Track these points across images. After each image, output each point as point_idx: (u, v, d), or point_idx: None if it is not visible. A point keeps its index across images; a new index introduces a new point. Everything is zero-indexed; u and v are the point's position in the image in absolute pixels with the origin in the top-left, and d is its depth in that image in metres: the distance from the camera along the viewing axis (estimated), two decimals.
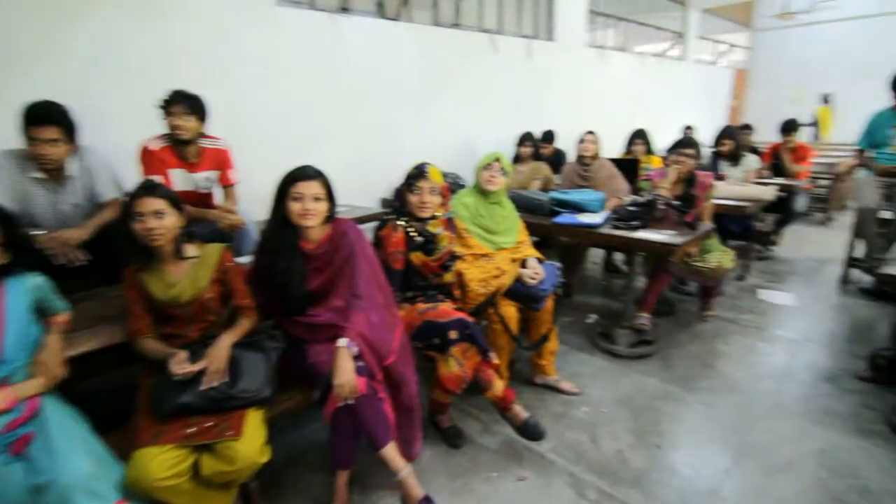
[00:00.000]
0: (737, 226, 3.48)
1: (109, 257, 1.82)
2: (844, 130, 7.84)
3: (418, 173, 1.83)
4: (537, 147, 3.95)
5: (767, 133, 6.43)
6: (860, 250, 3.51)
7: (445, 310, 1.82)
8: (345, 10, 3.60)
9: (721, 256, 2.76)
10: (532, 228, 2.80)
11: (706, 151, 5.40)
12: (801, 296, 3.47)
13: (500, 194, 2.25)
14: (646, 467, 1.81)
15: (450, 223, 1.95)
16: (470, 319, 1.79)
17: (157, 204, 1.46)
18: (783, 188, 3.99)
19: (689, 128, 5.73)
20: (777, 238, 4.50)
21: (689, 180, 2.81)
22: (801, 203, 4.34)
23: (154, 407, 1.41)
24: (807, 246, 4.74)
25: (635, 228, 2.49)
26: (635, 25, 7.35)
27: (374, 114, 3.93)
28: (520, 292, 2.12)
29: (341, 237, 1.67)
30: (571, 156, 4.80)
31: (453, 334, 1.73)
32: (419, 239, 1.85)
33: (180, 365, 1.41)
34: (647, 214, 2.53)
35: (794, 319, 3.10)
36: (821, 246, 4.72)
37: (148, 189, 1.47)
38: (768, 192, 3.35)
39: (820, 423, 2.04)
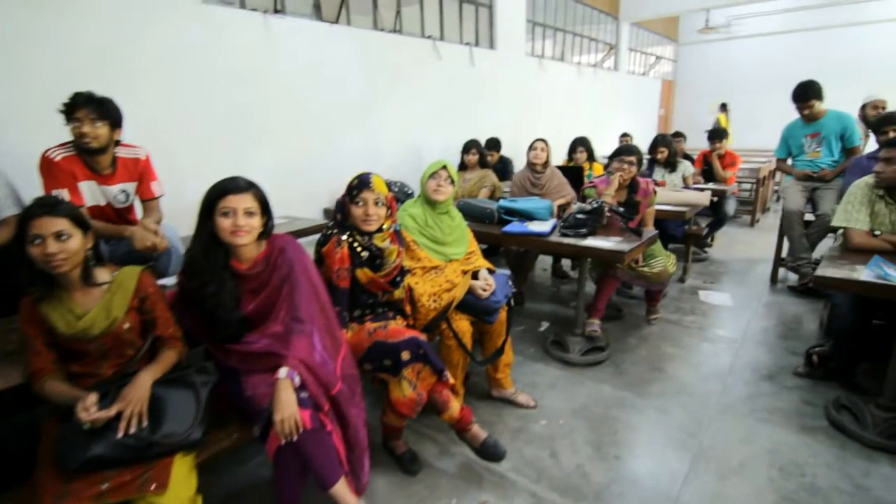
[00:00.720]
0: (677, 230, 3.60)
1: (4, 284, 1.57)
2: (760, 137, 8.47)
3: (361, 184, 1.71)
4: (483, 155, 3.92)
5: (693, 140, 6.84)
6: (787, 250, 3.72)
7: (396, 329, 1.71)
8: (278, 11, 3.42)
9: (665, 261, 2.83)
10: (481, 237, 2.75)
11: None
12: (736, 295, 3.63)
13: (447, 204, 2.17)
14: (607, 481, 1.77)
15: (397, 236, 1.84)
16: (423, 338, 1.68)
17: (58, 224, 1.25)
18: (715, 193, 4.20)
19: (626, 135, 5.95)
20: (711, 240, 4.73)
21: (631, 187, 2.86)
22: (731, 207, 4.58)
23: (59, 462, 1.20)
24: (737, 247, 5.01)
25: (583, 236, 2.48)
26: (572, 37, 7.58)
27: (314, 119, 3.77)
28: (472, 305, 2.05)
29: (278, 255, 1.52)
30: (518, 163, 4.84)
31: (406, 355, 1.62)
32: (365, 254, 1.73)
33: (88, 410, 1.20)
34: (594, 222, 2.53)
35: (732, 319, 3.23)
36: (750, 246, 5.01)
37: (45, 206, 1.26)
38: (705, 198, 3.50)
39: (766, 422, 2.10)
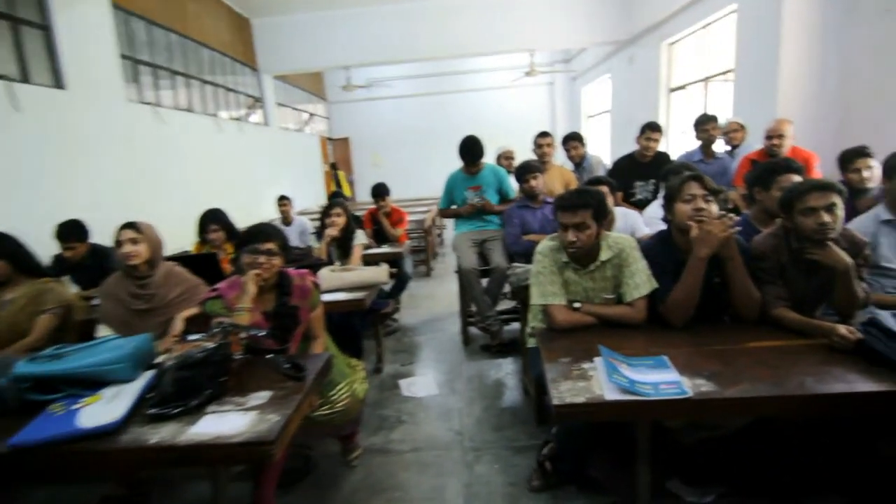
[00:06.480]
0: (362, 320, 2.81)
1: None
2: (412, 188, 9.09)
3: None
4: (25, 257, 2.22)
5: (359, 195, 6.61)
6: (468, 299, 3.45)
7: None
8: None
9: (349, 386, 1.93)
10: None
11: (304, 225, 4.74)
12: (438, 372, 3.11)
13: None
14: None
15: None
16: None
17: None
18: (392, 257, 3.70)
19: (284, 199, 4.91)
20: (397, 305, 4.24)
21: (281, 287, 1.86)
22: (409, 266, 4.19)
23: None
24: (422, 303, 4.72)
25: (196, 411, 1.31)
26: (201, 84, 6.32)
27: None
28: None
29: None
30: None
31: None
32: None
33: None
34: (216, 374, 1.39)
35: (443, 416, 2.60)
36: (433, 300, 4.79)
37: None
38: (383, 273, 2.78)
39: None
